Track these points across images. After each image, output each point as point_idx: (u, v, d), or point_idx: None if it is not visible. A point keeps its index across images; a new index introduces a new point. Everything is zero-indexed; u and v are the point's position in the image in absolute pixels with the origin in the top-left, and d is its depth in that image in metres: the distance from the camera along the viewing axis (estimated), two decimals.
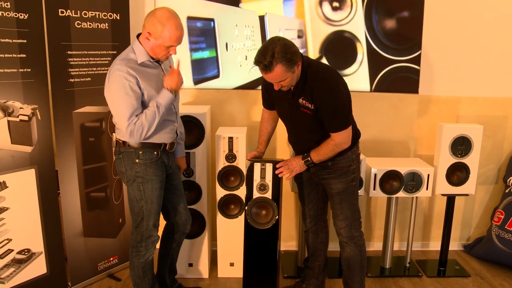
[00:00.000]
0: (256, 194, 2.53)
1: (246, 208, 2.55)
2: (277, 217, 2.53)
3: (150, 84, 2.14)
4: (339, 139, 2.23)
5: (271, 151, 3.24)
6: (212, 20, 3.06)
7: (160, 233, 2.42)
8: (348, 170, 2.37)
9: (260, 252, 2.60)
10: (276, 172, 2.44)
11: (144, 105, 2.15)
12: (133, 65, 2.10)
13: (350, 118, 2.28)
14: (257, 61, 2.06)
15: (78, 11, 2.54)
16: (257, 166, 2.50)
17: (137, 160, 2.21)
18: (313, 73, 2.17)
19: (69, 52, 2.54)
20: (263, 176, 2.51)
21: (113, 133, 2.31)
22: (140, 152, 2.21)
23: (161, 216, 2.45)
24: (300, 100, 2.22)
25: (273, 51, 2.01)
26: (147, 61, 2.15)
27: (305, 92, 2.20)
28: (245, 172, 2.74)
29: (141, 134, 2.11)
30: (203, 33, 3.08)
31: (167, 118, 2.25)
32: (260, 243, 2.58)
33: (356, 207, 2.45)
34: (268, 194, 2.53)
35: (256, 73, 3.13)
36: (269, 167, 2.49)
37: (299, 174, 2.55)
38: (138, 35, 2.18)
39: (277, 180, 2.51)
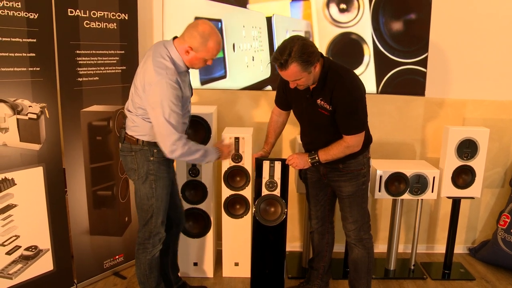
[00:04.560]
0: (264, 192, 2.57)
1: (255, 205, 2.58)
2: (286, 211, 2.57)
3: (184, 91, 2.20)
4: (352, 142, 2.23)
5: (276, 151, 3.25)
6: (220, 20, 3.08)
7: None
8: (359, 173, 2.37)
9: (267, 251, 2.63)
10: (288, 162, 2.45)
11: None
12: (176, 74, 2.14)
13: (366, 123, 2.28)
14: (275, 58, 2.08)
15: (87, 11, 2.57)
16: (265, 164, 2.54)
17: (151, 158, 2.23)
18: (333, 74, 2.17)
19: (77, 52, 2.57)
20: (271, 174, 2.55)
21: (122, 130, 2.32)
22: (155, 150, 2.23)
23: None
24: (319, 101, 2.23)
25: (291, 50, 2.02)
26: (184, 70, 2.22)
27: (324, 93, 2.20)
28: (250, 172, 2.76)
29: (180, 155, 2.15)
30: None
31: (184, 120, 2.28)
32: (267, 242, 2.62)
33: (366, 210, 2.46)
34: (277, 192, 2.57)
35: (262, 74, 3.15)
36: (277, 165, 2.53)
37: (307, 175, 2.56)
38: (174, 38, 2.20)
39: (285, 178, 2.55)
